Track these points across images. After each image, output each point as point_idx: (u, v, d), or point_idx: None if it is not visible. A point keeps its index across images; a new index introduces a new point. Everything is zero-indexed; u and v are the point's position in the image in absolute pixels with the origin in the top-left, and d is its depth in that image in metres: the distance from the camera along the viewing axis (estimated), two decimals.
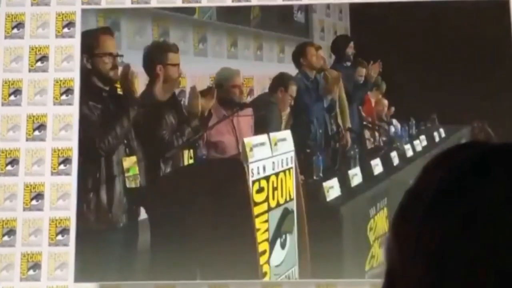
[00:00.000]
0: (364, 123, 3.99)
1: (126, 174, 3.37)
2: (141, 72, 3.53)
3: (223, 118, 3.53)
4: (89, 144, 3.39)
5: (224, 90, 3.61)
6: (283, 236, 3.32)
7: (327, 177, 3.63)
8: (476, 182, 0.73)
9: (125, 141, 3.41)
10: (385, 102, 3.90)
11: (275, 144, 3.33)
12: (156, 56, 3.52)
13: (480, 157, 0.76)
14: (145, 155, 3.45)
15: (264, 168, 3.24)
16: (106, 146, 3.36)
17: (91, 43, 3.49)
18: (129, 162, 3.39)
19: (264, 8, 3.73)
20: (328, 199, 3.51)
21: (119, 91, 3.47)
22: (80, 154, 3.44)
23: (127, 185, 3.37)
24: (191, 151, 3.48)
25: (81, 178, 3.41)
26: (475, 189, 0.72)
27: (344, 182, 3.65)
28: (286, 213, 3.35)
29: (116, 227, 3.36)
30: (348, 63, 3.93)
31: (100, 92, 3.44)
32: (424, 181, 0.77)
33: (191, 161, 3.47)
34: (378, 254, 3.62)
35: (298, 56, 3.78)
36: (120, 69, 3.44)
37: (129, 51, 3.54)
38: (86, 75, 3.47)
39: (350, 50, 3.91)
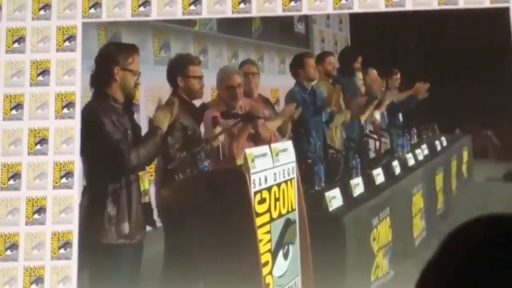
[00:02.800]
0: (366, 132, 3.99)
1: (141, 189, 3.34)
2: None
3: (224, 130, 3.53)
4: (117, 160, 3.23)
5: (221, 92, 3.62)
6: (286, 247, 3.31)
7: (329, 187, 3.62)
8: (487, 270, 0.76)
9: None
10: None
11: (277, 154, 3.32)
12: (177, 69, 3.52)
13: (488, 241, 0.80)
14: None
15: (265, 179, 3.23)
16: (140, 163, 3.27)
17: (126, 59, 3.32)
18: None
19: (264, 20, 3.73)
20: (330, 209, 3.50)
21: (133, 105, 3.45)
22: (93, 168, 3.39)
23: (142, 201, 3.34)
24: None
25: (99, 193, 3.27)
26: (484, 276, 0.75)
27: (346, 192, 3.65)
28: (288, 223, 3.33)
29: (133, 241, 3.29)
30: (353, 77, 3.94)
31: (117, 106, 3.33)
32: (442, 261, 0.80)
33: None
34: (382, 264, 3.60)
35: (296, 67, 3.78)
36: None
37: None
38: (115, 88, 3.32)
39: (357, 64, 3.91)
